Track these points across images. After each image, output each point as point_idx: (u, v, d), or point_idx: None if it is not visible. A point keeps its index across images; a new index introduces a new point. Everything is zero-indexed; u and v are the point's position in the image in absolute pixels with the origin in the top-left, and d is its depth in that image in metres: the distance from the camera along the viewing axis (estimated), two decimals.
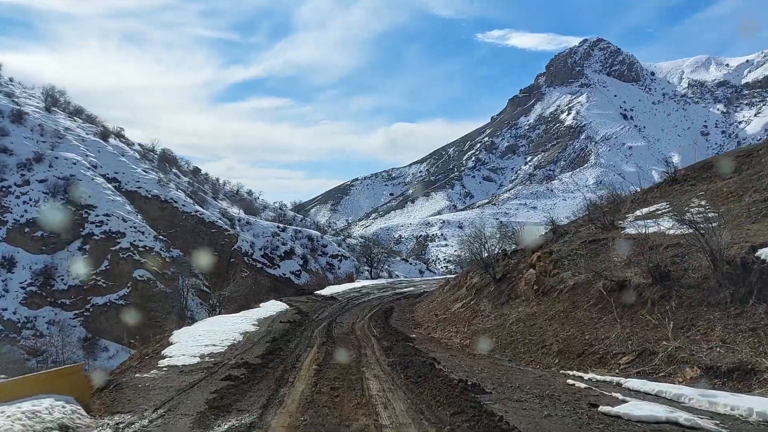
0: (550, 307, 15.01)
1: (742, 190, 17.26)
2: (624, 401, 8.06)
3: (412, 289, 34.35)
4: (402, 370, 10.97)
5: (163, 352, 14.03)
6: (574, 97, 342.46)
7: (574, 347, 12.43)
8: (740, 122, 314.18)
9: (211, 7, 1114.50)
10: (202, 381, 10.40)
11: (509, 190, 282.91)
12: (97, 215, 61.45)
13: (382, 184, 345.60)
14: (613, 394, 8.68)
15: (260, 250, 73.96)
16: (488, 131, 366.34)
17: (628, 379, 9.64)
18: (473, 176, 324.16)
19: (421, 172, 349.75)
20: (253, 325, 18.35)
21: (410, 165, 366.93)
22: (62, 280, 57.47)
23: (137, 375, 11.46)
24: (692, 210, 15.65)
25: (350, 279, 55.04)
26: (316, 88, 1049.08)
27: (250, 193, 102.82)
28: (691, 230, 12.58)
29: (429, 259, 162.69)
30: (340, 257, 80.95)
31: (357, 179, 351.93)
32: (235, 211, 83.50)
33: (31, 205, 60.20)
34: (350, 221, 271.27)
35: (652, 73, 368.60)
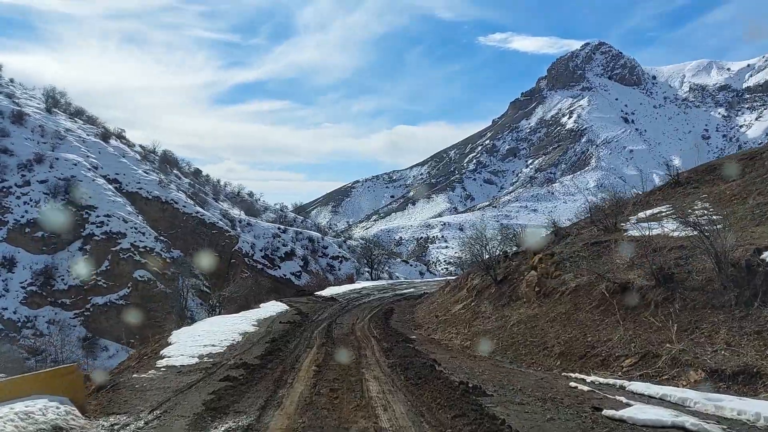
0: (551, 308, 14.89)
1: (746, 192, 17.11)
2: (628, 405, 7.92)
3: (412, 290, 34.24)
4: (402, 372, 10.85)
5: (161, 352, 13.91)
6: (575, 100, 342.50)
7: (576, 349, 12.30)
8: (741, 126, 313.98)
9: (211, 8, 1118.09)
10: (200, 382, 10.28)
11: (510, 192, 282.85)
12: (97, 216, 61.35)
13: (383, 187, 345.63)
14: (617, 398, 8.54)
15: (261, 251, 73.83)
16: (489, 134, 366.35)
17: (631, 382, 9.50)
18: (474, 179, 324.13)
19: (422, 174, 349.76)
20: (253, 325, 18.23)
21: (411, 167, 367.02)
22: (62, 280, 57.36)
23: (135, 375, 11.34)
24: (696, 212, 15.53)
25: (350, 280, 54.87)
26: (317, 91, 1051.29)
27: (251, 194, 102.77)
28: (695, 232, 12.46)
29: (429, 260, 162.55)
30: (340, 258, 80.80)
31: (358, 181, 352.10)
32: (236, 212, 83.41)
33: (31, 206, 60.12)
34: (351, 223, 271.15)
35: (654, 77, 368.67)
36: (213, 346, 14.39)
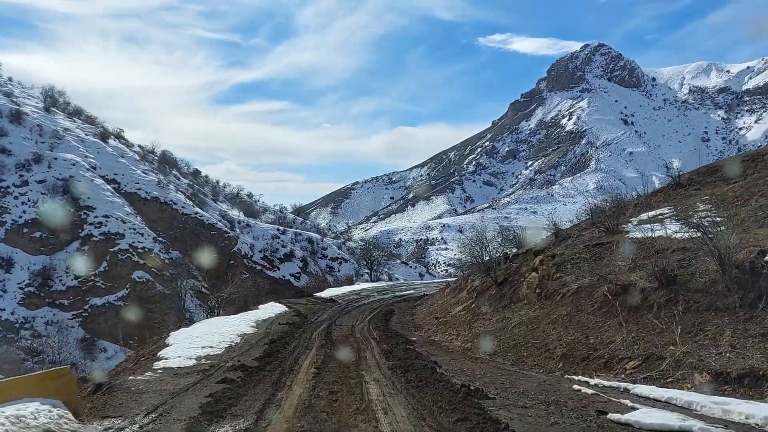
0: (553, 310, 14.74)
1: (749, 194, 16.98)
2: (633, 408, 7.78)
3: (412, 292, 34.07)
4: (402, 374, 10.71)
5: (159, 353, 13.77)
6: (575, 102, 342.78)
7: (579, 351, 12.15)
8: (741, 128, 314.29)
9: (211, 8, 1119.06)
10: (197, 384, 10.13)
11: (510, 194, 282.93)
12: (96, 216, 61.17)
13: (383, 188, 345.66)
14: (622, 401, 8.39)
15: (260, 252, 73.67)
16: (489, 135, 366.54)
17: (635, 385, 9.36)
18: (474, 180, 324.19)
19: (421, 175, 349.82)
20: (252, 327, 18.08)
21: (411, 169, 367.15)
22: (61, 280, 57.15)
23: (131, 377, 11.18)
24: (700, 213, 15.40)
25: (350, 282, 54.70)
26: (317, 91, 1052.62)
27: (250, 195, 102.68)
28: (697, 234, 12.33)
29: (429, 262, 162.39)
30: (339, 260, 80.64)
31: (357, 183, 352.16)
32: (235, 213, 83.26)
33: (29, 206, 59.93)
34: (350, 224, 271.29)
35: (653, 79, 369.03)
36: (211, 347, 14.25)
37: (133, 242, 60.64)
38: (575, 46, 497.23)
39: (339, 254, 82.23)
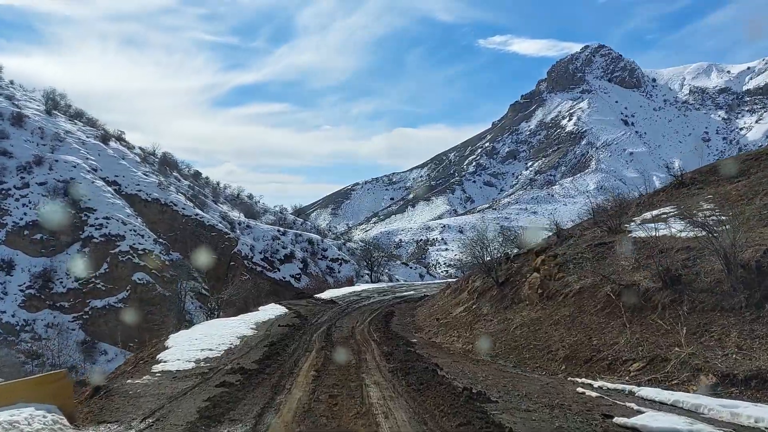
0: (555, 311, 14.59)
1: (752, 193, 16.81)
2: (639, 411, 7.62)
3: (412, 292, 33.91)
4: (403, 377, 10.56)
5: (158, 356, 13.64)
6: (575, 103, 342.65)
7: (582, 353, 12.00)
8: (741, 129, 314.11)
9: (211, 10, 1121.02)
10: (195, 388, 9.99)
11: (510, 195, 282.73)
12: (96, 218, 61.07)
13: (383, 189, 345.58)
14: (627, 404, 8.24)
15: (260, 253, 73.54)
16: (489, 136, 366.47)
17: (641, 388, 9.20)
18: (474, 181, 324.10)
19: (421, 176, 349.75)
20: (252, 328, 17.94)
21: (411, 170, 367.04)
22: (61, 282, 57.03)
23: (129, 381, 11.03)
24: (705, 212, 15.24)
25: (350, 283, 54.54)
26: (317, 93, 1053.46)
27: (250, 197, 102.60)
28: (702, 233, 12.18)
29: (429, 263, 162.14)
30: (340, 261, 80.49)
31: (358, 184, 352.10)
32: (235, 214, 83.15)
33: (30, 208, 59.85)
34: (351, 225, 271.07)
35: (654, 80, 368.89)
36: (210, 350, 14.11)
37: (134, 244, 60.53)
38: (575, 47, 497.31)
39: (339, 255, 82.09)
